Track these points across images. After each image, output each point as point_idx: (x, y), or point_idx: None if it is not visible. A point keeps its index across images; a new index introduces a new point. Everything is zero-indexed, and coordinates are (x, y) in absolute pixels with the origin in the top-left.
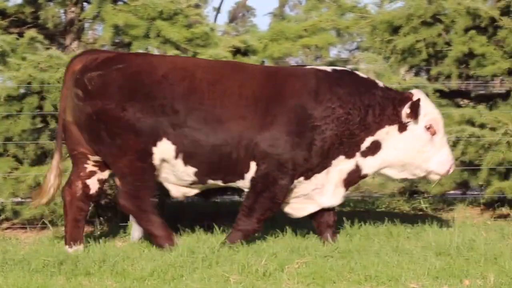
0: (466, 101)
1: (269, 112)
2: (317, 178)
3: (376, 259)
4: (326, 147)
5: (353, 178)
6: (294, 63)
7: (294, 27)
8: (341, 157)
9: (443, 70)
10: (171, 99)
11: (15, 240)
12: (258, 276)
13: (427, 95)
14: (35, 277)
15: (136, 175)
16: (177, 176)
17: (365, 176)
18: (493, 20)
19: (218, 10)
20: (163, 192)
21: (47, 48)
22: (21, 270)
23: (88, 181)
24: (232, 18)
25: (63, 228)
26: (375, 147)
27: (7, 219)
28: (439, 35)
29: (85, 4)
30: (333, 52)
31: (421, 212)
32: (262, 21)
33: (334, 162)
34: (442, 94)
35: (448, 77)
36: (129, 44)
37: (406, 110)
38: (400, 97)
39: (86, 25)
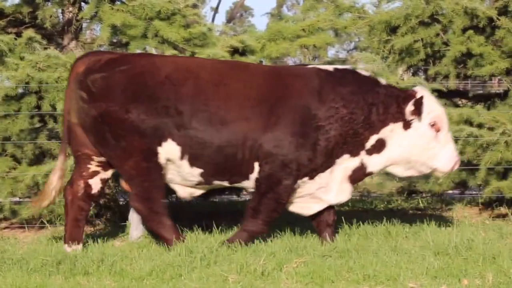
0: (464, 101)
1: (273, 113)
2: (321, 177)
3: (375, 258)
4: (330, 147)
5: (358, 175)
6: (292, 63)
7: (292, 27)
8: (346, 156)
9: (441, 70)
10: (175, 101)
11: (13, 239)
12: (256, 276)
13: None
14: (33, 277)
15: (143, 176)
16: (182, 177)
17: (370, 173)
18: (491, 20)
19: (216, 10)
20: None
21: (45, 48)
22: (20, 270)
23: (91, 181)
24: (230, 18)
25: (61, 228)
26: (380, 145)
27: (5, 219)
28: (437, 35)
29: (83, 4)
30: (331, 52)
31: (419, 212)
32: (260, 21)
33: (338, 161)
34: (440, 94)
35: (446, 77)
36: (126, 44)
37: (410, 107)
38: (404, 95)
39: (84, 25)
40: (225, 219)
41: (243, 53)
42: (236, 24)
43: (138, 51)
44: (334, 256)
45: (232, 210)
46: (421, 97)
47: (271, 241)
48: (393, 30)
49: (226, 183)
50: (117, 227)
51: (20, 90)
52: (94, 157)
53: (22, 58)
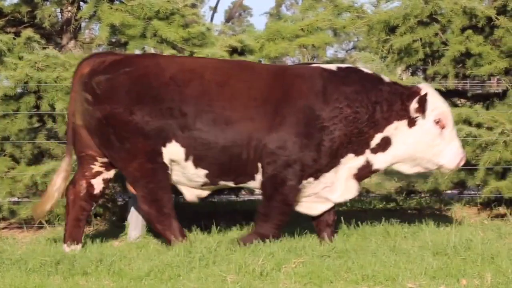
0: (463, 100)
1: (278, 113)
2: (326, 177)
3: (373, 258)
4: (334, 147)
5: (364, 173)
6: (290, 63)
7: (290, 26)
8: (350, 155)
9: (439, 69)
10: (179, 102)
11: (12, 239)
12: (255, 276)
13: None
14: (32, 277)
15: (148, 177)
16: (188, 178)
17: (376, 170)
18: (489, 19)
19: (214, 9)
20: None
21: (44, 48)
22: (18, 270)
23: (93, 181)
24: (229, 18)
25: (60, 228)
26: (385, 143)
27: (4, 219)
28: (436, 34)
29: (81, 3)
30: (330, 52)
31: (418, 212)
32: (258, 21)
33: (343, 160)
34: (439, 93)
35: (445, 76)
36: (125, 44)
37: (414, 105)
38: (408, 92)
39: (83, 24)
40: (224, 219)
41: (241, 52)
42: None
43: (137, 50)
44: (333, 256)
45: (231, 210)
46: (425, 94)
47: (270, 241)
48: (392, 29)
49: (231, 184)
50: (115, 227)
51: (19, 90)
52: (98, 158)
53: (21, 58)
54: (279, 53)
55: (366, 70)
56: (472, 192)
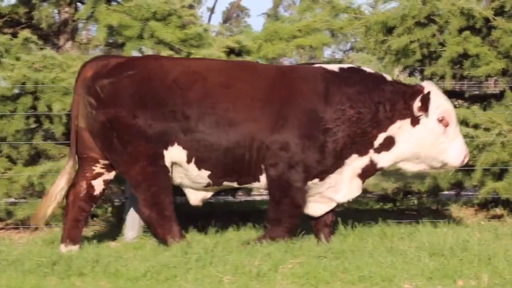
0: (460, 101)
1: (280, 115)
2: (330, 178)
3: (370, 259)
4: (338, 148)
5: (368, 172)
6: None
7: (288, 27)
8: (354, 156)
9: (437, 70)
10: (182, 105)
11: (8, 240)
12: (252, 277)
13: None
14: (28, 278)
15: (150, 180)
16: (191, 179)
17: (380, 169)
18: (487, 20)
19: (212, 10)
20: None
21: (41, 48)
22: (14, 271)
23: (94, 182)
24: (226, 19)
25: (56, 229)
26: (388, 143)
27: (0, 220)
28: (433, 35)
29: (79, 4)
30: (327, 53)
31: (415, 213)
32: (256, 22)
33: (347, 161)
34: None
35: (442, 77)
36: (122, 45)
37: (417, 103)
38: (411, 91)
39: (80, 25)
40: (221, 220)
41: (239, 53)
42: (233, 25)
43: (134, 52)
44: (330, 257)
45: (228, 211)
46: (428, 93)
47: (267, 241)
48: (389, 30)
49: (235, 184)
50: (112, 227)
51: (16, 91)
52: (100, 160)
53: (18, 59)
54: (276, 53)
55: (368, 70)
56: (469, 193)
